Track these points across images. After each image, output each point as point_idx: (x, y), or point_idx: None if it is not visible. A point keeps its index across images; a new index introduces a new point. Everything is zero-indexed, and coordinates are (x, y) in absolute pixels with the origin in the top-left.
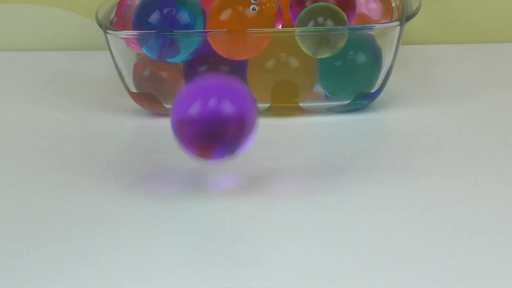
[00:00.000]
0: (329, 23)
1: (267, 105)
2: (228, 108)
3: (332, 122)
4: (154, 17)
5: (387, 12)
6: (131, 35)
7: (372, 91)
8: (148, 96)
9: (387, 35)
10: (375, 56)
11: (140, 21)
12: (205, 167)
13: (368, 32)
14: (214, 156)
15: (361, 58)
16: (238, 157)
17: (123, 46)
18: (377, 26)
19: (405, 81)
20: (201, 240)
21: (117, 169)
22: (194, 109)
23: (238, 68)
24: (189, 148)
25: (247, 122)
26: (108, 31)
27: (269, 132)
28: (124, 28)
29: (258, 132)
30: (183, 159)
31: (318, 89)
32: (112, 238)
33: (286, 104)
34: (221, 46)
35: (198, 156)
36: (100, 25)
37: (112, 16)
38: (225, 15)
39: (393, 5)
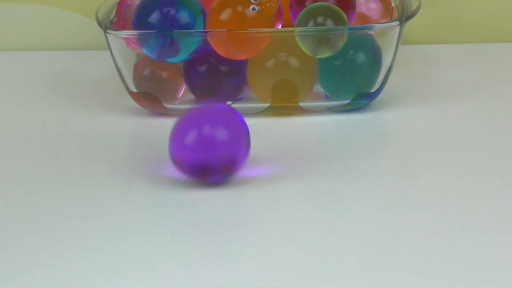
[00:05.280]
0: (329, 23)
1: (267, 105)
2: (221, 145)
3: (332, 121)
4: (154, 17)
5: (387, 12)
6: (131, 35)
7: (371, 91)
8: (148, 96)
9: (386, 35)
10: (375, 56)
11: (140, 21)
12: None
13: (368, 32)
14: (208, 182)
15: (361, 57)
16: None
17: (123, 46)
18: (377, 26)
19: (405, 81)
20: (202, 232)
21: (117, 169)
22: (189, 145)
23: (238, 68)
24: (185, 174)
25: (238, 158)
26: (108, 31)
27: (269, 132)
28: (124, 28)
29: (258, 132)
30: None
31: (318, 89)
32: (110, 234)
33: (286, 104)
34: (221, 46)
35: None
36: (100, 25)
37: (112, 16)
38: (225, 15)
39: (392, 5)
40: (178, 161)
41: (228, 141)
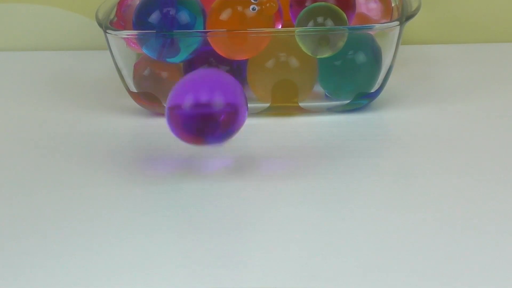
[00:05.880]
0: (329, 23)
1: (267, 105)
2: (219, 99)
3: (332, 122)
4: (154, 17)
5: (387, 12)
6: (131, 35)
7: (371, 91)
8: (148, 96)
9: (387, 35)
10: (375, 56)
11: (140, 21)
12: (206, 175)
13: (368, 32)
14: (205, 144)
15: (361, 58)
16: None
17: (123, 46)
18: (377, 26)
19: (405, 81)
20: (203, 229)
21: (116, 169)
22: (187, 101)
23: (238, 68)
24: (181, 136)
25: (237, 113)
26: (108, 31)
27: (269, 132)
28: (124, 28)
29: (258, 132)
30: (183, 159)
31: (318, 89)
32: (110, 234)
33: (286, 104)
34: (221, 46)
35: (189, 143)
36: (100, 25)
37: (112, 16)
38: (225, 15)
39: (393, 5)
40: (178, 112)
41: (230, 85)
